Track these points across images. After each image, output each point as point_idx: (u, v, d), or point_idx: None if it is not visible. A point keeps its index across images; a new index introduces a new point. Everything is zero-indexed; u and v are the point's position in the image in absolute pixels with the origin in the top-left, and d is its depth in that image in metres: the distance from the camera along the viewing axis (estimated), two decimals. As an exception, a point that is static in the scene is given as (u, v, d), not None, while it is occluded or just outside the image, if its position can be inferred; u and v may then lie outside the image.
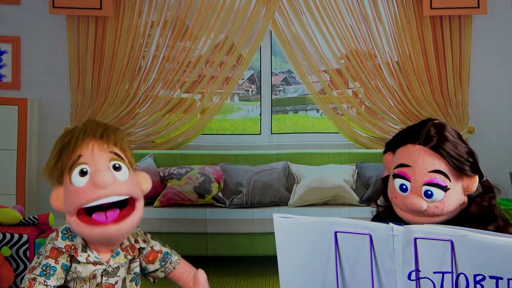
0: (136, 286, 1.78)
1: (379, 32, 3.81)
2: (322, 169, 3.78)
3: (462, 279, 1.11)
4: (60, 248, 1.65)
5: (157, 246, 1.82)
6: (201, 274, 1.78)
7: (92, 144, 1.64)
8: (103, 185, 1.59)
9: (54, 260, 1.64)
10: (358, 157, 3.85)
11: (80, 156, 1.63)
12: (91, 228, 1.61)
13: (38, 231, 2.91)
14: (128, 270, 1.74)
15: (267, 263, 3.66)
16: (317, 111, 3.97)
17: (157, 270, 1.81)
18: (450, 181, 1.52)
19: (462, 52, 3.78)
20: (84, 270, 1.66)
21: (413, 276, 1.15)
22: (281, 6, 3.82)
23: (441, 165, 1.53)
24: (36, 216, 2.94)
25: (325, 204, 3.66)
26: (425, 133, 1.58)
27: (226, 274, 3.57)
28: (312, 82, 3.89)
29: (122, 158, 1.68)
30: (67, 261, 1.65)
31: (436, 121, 1.62)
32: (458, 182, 1.54)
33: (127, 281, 1.74)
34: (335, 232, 1.20)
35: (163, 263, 1.81)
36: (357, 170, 3.79)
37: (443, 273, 1.13)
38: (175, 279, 1.85)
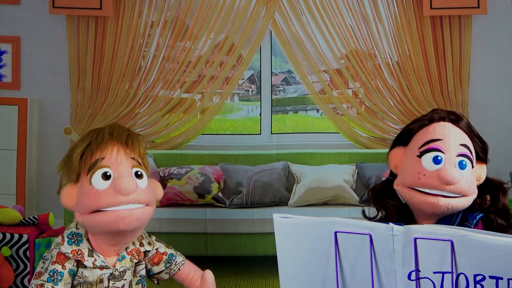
0: None
1: (379, 32, 3.81)
2: (322, 169, 3.78)
3: (462, 279, 1.11)
4: (67, 253, 1.64)
5: (162, 248, 1.82)
6: (209, 274, 1.79)
7: (116, 148, 1.64)
8: (126, 192, 1.59)
9: (61, 266, 1.63)
10: (358, 157, 3.85)
11: (102, 158, 1.63)
12: (96, 216, 1.61)
13: (38, 231, 2.90)
14: (134, 273, 1.74)
15: (267, 263, 3.66)
16: (317, 111, 3.98)
17: (161, 271, 1.81)
18: (473, 159, 1.55)
19: (462, 52, 3.78)
20: (91, 275, 1.65)
21: (413, 276, 1.15)
22: (281, 6, 3.82)
23: (468, 141, 1.56)
24: (36, 216, 2.94)
25: (325, 204, 3.66)
26: (448, 112, 1.61)
27: (226, 274, 3.57)
28: (312, 82, 3.89)
29: (142, 165, 1.69)
30: (73, 266, 1.65)
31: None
32: (477, 166, 1.56)
33: (133, 283, 1.74)
34: (335, 232, 1.19)
35: (168, 265, 1.81)
36: (357, 170, 3.79)
37: (443, 273, 1.13)
38: (180, 280, 1.85)
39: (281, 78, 3.98)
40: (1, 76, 3.83)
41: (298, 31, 3.84)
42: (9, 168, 3.76)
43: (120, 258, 1.70)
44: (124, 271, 1.70)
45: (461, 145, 1.54)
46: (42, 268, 1.66)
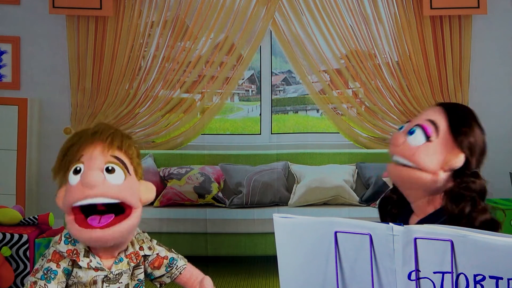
0: None
1: (379, 32, 3.81)
2: (322, 169, 3.78)
3: (462, 279, 1.11)
4: (62, 252, 1.65)
5: (162, 252, 1.80)
6: (208, 280, 1.78)
7: (95, 146, 1.65)
8: (90, 185, 1.58)
9: (55, 264, 1.64)
10: (358, 157, 3.85)
11: (81, 156, 1.64)
12: (79, 230, 1.60)
13: (38, 231, 2.91)
14: (132, 276, 1.74)
15: (267, 263, 3.66)
16: (317, 111, 3.98)
17: (163, 275, 1.80)
18: (437, 137, 1.53)
19: (462, 52, 3.78)
20: (85, 276, 1.65)
21: (413, 276, 1.15)
22: (281, 6, 3.82)
23: (440, 120, 1.55)
24: (36, 216, 2.94)
25: (325, 204, 3.66)
26: (450, 102, 1.65)
27: (226, 274, 3.57)
28: (312, 82, 3.89)
29: (123, 163, 1.67)
30: (68, 265, 1.64)
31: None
32: (444, 148, 1.52)
33: (130, 287, 1.74)
34: (335, 232, 1.19)
35: (168, 269, 1.80)
36: (357, 170, 3.79)
37: (443, 273, 1.13)
38: (182, 283, 1.84)
39: (281, 78, 3.98)
40: (1, 76, 3.83)
41: (298, 31, 3.84)
42: (9, 168, 3.76)
43: (117, 261, 1.69)
44: (120, 274, 1.69)
45: (428, 120, 1.55)
46: (39, 265, 1.67)
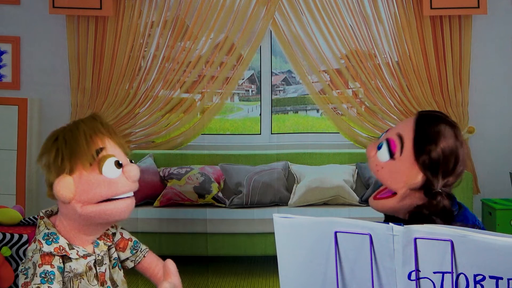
0: (120, 270, 1.78)
1: (379, 32, 3.81)
2: (322, 169, 3.78)
3: (462, 279, 1.12)
4: (51, 252, 1.62)
5: (126, 234, 1.82)
6: (171, 263, 1.77)
7: (106, 138, 1.68)
8: (135, 179, 1.66)
9: (49, 265, 1.60)
10: (358, 157, 3.85)
11: (102, 148, 1.65)
12: (106, 206, 1.63)
13: (38, 231, 2.90)
14: (108, 257, 1.76)
15: (267, 263, 3.66)
16: (317, 111, 3.98)
17: (127, 259, 1.81)
18: (401, 155, 1.50)
19: (462, 52, 3.78)
20: (79, 266, 1.65)
21: (413, 276, 1.15)
22: (281, 6, 3.82)
23: (408, 135, 1.51)
24: (36, 216, 2.93)
25: (325, 204, 3.66)
26: (425, 111, 1.59)
27: (226, 274, 3.57)
28: (312, 82, 3.89)
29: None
30: (60, 263, 1.63)
31: (447, 118, 1.59)
32: (406, 166, 1.49)
33: (110, 267, 1.75)
34: (335, 232, 1.20)
35: (134, 251, 1.81)
36: (357, 170, 3.79)
37: (443, 273, 1.13)
38: (143, 269, 1.84)
39: (281, 78, 3.98)
40: (1, 76, 3.83)
41: (298, 31, 3.84)
42: (9, 168, 3.76)
43: (95, 245, 1.71)
44: (104, 255, 1.72)
45: (397, 134, 1.52)
46: (27, 278, 1.61)
